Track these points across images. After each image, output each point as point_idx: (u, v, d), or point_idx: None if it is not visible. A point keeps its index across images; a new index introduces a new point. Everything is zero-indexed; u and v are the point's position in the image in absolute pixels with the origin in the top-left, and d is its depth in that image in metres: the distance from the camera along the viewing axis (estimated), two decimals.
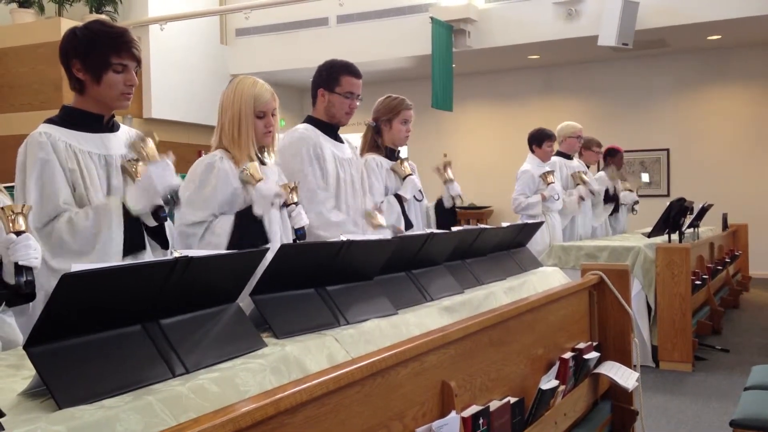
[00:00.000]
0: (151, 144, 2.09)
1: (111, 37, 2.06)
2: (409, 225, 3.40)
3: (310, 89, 3.07)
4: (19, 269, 1.64)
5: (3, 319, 1.90)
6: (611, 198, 6.08)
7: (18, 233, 1.65)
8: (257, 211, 2.38)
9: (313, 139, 2.94)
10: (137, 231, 2.06)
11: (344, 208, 2.97)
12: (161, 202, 2.02)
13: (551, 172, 5.24)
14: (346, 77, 2.97)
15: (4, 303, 1.80)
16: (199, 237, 2.38)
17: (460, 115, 10.99)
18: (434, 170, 3.65)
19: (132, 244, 2.03)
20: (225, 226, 2.38)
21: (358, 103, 3.03)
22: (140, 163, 2.14)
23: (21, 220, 1.67)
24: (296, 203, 2.54)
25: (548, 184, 5.18)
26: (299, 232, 2.53)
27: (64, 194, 2.03)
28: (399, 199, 3.39)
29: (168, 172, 2.02)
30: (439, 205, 3.66)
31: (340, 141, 3.10)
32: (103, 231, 1.98)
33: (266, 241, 2.43)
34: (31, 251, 1.66)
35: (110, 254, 1.97)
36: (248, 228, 2.38)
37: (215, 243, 2.35)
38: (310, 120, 3.05)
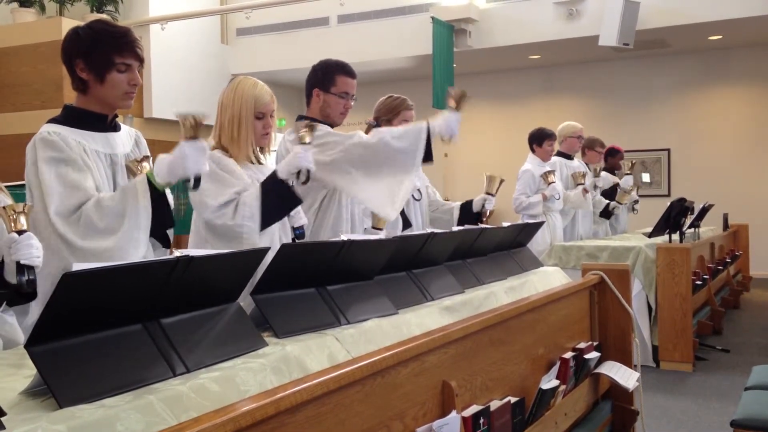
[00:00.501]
0: (146, 164, 2.12)
1: (114, 36, 2.06)
2: (407, 224, 3.39)
3: (305, 89, 3.06)
4: (21, 268, 1.64)
5: (4, 319, 1.90)
6: (610, 195, 6.08)
7: (20, 232, 1.65)
8: (282, 174, 2.38)
9: None
10: (164, 207, 2.05)
11: (339, 207, 2.97)
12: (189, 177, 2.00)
13: (552, 172, 5.23)
14: (341, 77, 2.97)
15: (5, 303, 1.80)
16: (230, 216, 2.37)
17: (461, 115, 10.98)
18: (486, 175, 3.60)
19: (159, 221, 2.03)
20: (252, 194, 2.38)
21: (352, 103, 3.02)
22: (144, 164, 2.14)
23: (23, 219, 1.67)
24: None
25: (549, 183, 5.18)
26: (298, 232, 2.53)
27: (89, 180, 2.02)
28: None
29: (202, 154, 1.99)
30: (467, 205, 3.65)
31: None
32: (129, 208, 1.97)
33: (298, 201, 2.45)
34: (33, 250, 1.66)
35: (139, 229, 1.96)
36: (275, 191, 2.39)
37: (249, 214, 2.36)
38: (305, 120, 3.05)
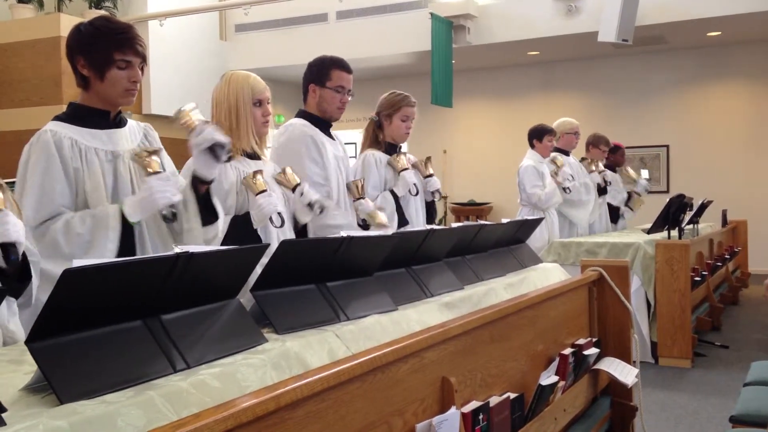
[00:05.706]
0: (155, 158, 2.07)
1: (114, 33, 2.06)
2: (403, 222, 3.36)
3: (302, 86, 3.06)
4: (4, 247, 1.56)
5: (3, 316, 1.90)
6: (602, 191, 6.07)
7: None
8: (255, 225, 2.40)
9: (312, 134, 2.93)
10: (130, 242, 2.06)
11: (342, 206, 2.97)
12: (164, 210, 2.04)
13: (556, 159, 5.27)
14: (336, 71, 2.97)
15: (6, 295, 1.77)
16: None
17: (459, 112, 10.99)
18: (413, 164, 3.63)
19: (125, 254, 2.02)
20: (220, 225, 2.37)
21: (349, 98, 3.02)
22: (153, 157, 2.09)
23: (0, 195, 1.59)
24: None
25: (559, 167, 5.19)
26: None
27: (63, 198, 2.03)
28: (394, 194, 3.37)
29: (169, 186, 2.03)
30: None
31: (332, 138, 3.10)
32: (99, 239, 1.98)
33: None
34: (9, 227, 1.57)
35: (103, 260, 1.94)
36: (243, 233, 2.38)
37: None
38: (305, 115, 3.04)
